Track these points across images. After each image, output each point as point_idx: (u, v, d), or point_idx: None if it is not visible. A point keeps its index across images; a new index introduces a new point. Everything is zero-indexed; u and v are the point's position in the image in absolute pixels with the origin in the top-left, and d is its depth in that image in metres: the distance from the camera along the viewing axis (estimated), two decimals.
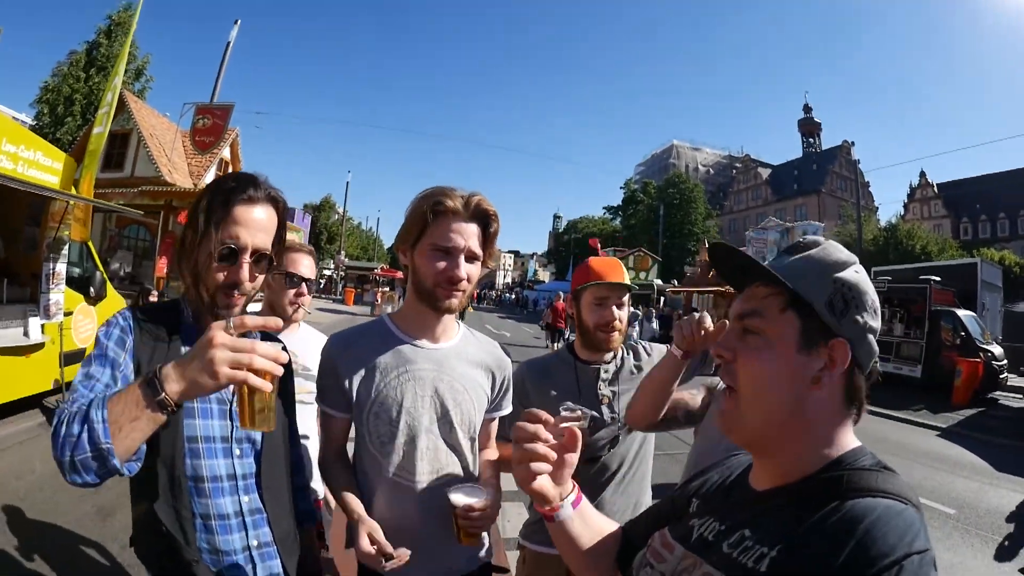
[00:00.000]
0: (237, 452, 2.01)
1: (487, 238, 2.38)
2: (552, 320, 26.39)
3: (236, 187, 2.00)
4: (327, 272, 63.89)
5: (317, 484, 3.32)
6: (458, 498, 2.15)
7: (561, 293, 26.65)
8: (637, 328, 26.31)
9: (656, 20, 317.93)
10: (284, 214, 2.16)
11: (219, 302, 1.97)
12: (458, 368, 2.46)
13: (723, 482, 1.54)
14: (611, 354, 3.21)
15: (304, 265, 3.51)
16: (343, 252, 63.74)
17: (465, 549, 2.36)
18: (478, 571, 2.52)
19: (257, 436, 2.07)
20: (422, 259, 2.31)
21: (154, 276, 15.79)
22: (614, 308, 3.08)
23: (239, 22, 28.64)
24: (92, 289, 10.17)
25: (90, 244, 10.67)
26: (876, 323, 1.32)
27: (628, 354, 3.29)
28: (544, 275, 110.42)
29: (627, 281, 3.14)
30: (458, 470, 2.41)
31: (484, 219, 2.36)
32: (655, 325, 28.36)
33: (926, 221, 73.12)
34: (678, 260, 69.89)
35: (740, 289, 1.45)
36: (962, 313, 21.46)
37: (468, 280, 2.33)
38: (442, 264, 2.28)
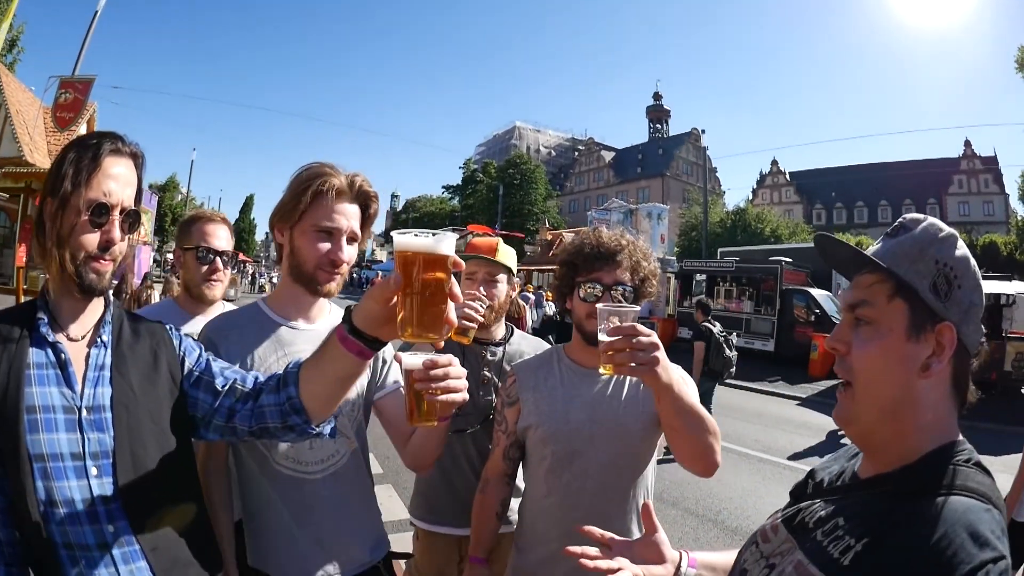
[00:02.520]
0: (94, 471, 1.75)
1: (365, 219, 2.44)
2: None
3: (103, 140, 1.84)
4: (169, 256, 62.01)
5: None
6: (411, 360, 1.79)
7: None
8: (533, 312, 25.58)
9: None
10: (143, 171, 1.96)
11: (86, 271, 1.78)
12: None
13: (842, 468, 1.51)
14: (500, 335, 3.42)
15: (218, 237, 3.34)
16: None
17: (367, 540, 2.51)
18: (383, 561, 2.59)
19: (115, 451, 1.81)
20: (303, 240, 2.34)
21: (14, 266, 14.70)
22: (481, 287, 3.19)
23: None
24: None
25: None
26: (981, 301, 1.32)
27: (520, 340, 3.51)
28: (381, 255, 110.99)
29: (503, 260, 3.31)
30: (349, 454, 2.47)
31: (365, 200, 2.41)
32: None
33: (776, 206, 76.98)
34: (518, 240, 71.70)
35: (850, 278, 1.45)
36: (816, 292, 23.55)
37: (348, 263, 2.37)
38: (324, 246, 2.31)
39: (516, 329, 3.56)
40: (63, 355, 1.77)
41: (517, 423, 2.77)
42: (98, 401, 1.75)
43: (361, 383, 2.49)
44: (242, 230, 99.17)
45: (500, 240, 3.39)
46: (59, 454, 1.68)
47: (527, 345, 3.44)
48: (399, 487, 8.20)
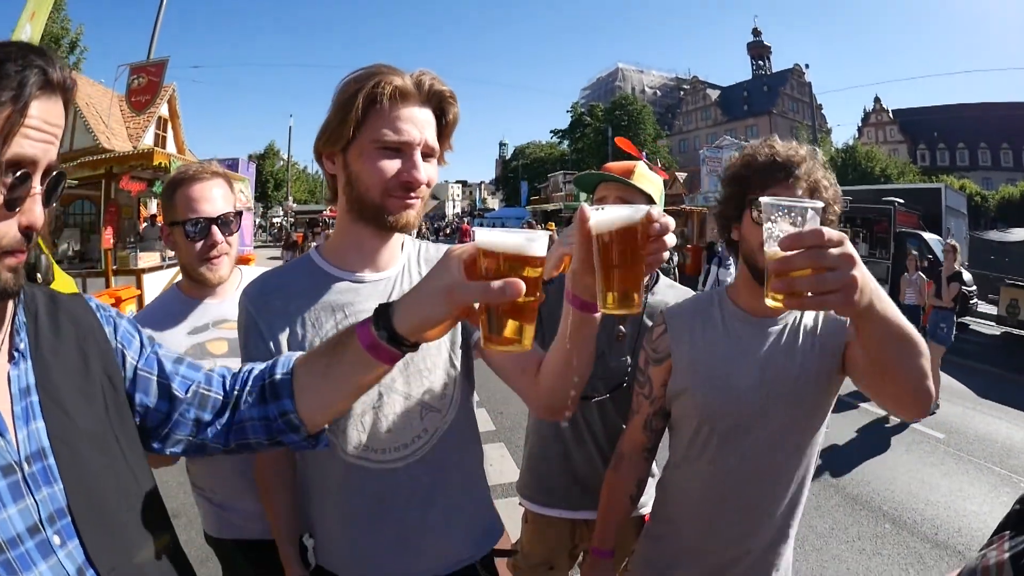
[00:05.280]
0: (57, 540, 1.21)
1: (443, 129, 1.87)
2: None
3: (28, 68, 1.12)
4: (276, 220, 63.95)
5: None
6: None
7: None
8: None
9: None
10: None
11: None
12: None
13: None
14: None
15: (208, 199, 2.53)
16: (291, 198, 62.66)
17: (466, 533, 2.02)
18: (483, 559, 2.09)
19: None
20: (362, 162, 1.77)
21: (101, 249, 15.48)
22: None
23: None
24: (39, 275, 9.95)
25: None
26: None
27: (665, 289, 2.86)
28: (493, 203, 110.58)
29: (642, 186, 2.61)
30: (443, 431, 1.95)
31: (440, 103, 1.83)
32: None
33: (882, 146, 75.36)
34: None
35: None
36: (928, 236, 21.90)
37: (428, 184, 1.82)
38: (393, 164, 1.75)
39: (662, 276, 2.92)
40: None
41: (666, 385, 2.28)
42: (35, 445, 1.22)
43: (446, 341, 1.97)
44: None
45: (641, 163, 2.73)
46: (15, 537, 1.15)
47: (673, 296, 2.78)
48: (512, 445, 7.55)
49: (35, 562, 1.16)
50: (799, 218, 1.25)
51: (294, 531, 2.02)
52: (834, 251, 1.18)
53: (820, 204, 1.28)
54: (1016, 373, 14.32)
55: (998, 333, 19.67)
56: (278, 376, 1.48)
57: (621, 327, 2.70)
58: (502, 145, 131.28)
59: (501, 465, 7.03)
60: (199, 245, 2.49)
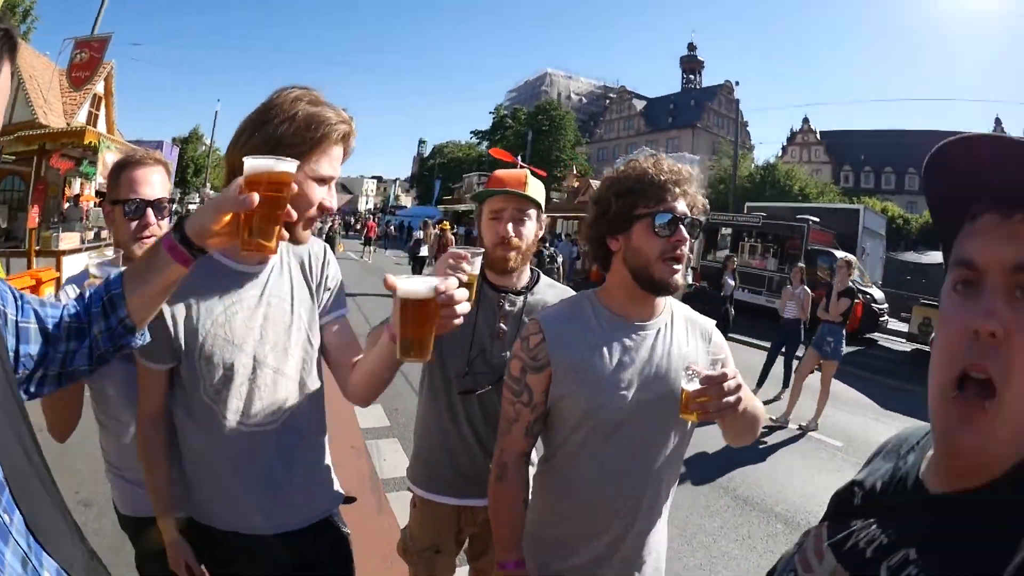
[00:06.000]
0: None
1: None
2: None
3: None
4: (192, 207, 63.30)
5: None
6: (412, 285, 1.75)
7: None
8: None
9: None
10: None
11: None
12: (281, 285, 2.33)
13: (894, 472, 1.18)
14: (524, 282, 3.03)
15: (149, 183, 2.72)
16: (208, 184, 63.50)
17: (323, 488, 2.44)
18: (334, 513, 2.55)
19: None
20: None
21: (26, 228, 15.12)
22: (509, 224, 2.85)
23: None
24: None
25: None
26: None
27: (545, 289, 3.08)
28: (407, 200, 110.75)
29: (532, 194, 2.89)
30: (301, 401, 2.33)
31: (348, 142, 2.19)
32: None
33: (805, 165, 78.20)
34: (545, 186, 71.93)
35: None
36: (840, 254, 22.11)
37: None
38: (320, 194, 2.09)
39: (543, 276, 3.14)
40: None
41: (548, 392, 2.31)
42: None
43: (305, 320, 2.35)
44: None
45: (528, 172, 2.98)
46: None
47: (553, 295, 3.00)
48: (405, 441, 7.52)
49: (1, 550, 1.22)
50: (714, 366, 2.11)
51: (172, 503, 2.28)
52: (732, 383, 1.87)
53: (721, 355, 2.34)
54: (920, 385, 14.33)
55: (908, 350, 20.35)
56: (114, 291, 1.68)
57: (502, 325, 2.91)
58: (421, 143, 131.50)
59: (395, 459, 7.07)
60: (133, 225, 2.67)
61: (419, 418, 3.19)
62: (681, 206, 2.19)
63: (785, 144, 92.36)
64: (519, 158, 3.34)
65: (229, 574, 2.34)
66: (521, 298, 2.96)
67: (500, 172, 2.96)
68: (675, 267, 2.18)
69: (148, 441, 2.26)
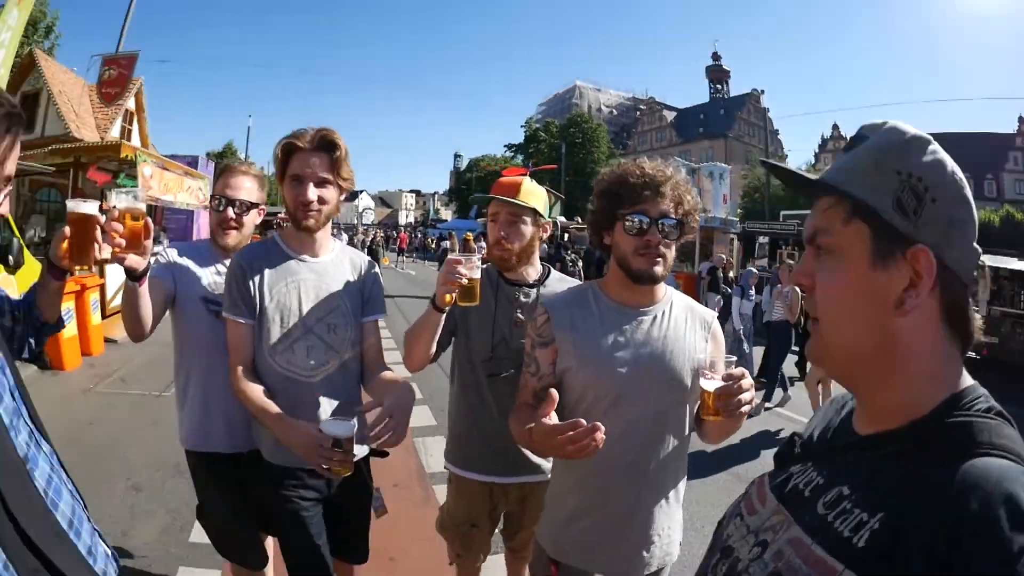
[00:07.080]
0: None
1: (335, 163, 2.87)
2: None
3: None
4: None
5: None
6: (331, 427, 2.48)
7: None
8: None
9: None
10: None
11: None
12: (336, 276, 3.04)
13: (829, 422, 1.34)
14: (534, 276, 3.28)
15: (235, 187, 3.41)
16: None
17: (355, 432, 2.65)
18: (364, 459, 3.15)
19: None
20: (285, 190, 2.88)
21: None
22: (502, 228, 3.13)
23: None
24: (11, 257, 10.25)
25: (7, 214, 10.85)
26: (969, 216, 1.11)
27: (556, 282, 3.33)
28: (446, 213, 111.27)
29: (528, 200, 3.14)
30: (339, 364, 2.98)
31: (330, 148, 2.85)
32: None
33: None
34: (581, 197, 70.89)
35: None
36: None
37: (320, 201, 2.86)
38: (296, 191, 2.82)
39: (554, 271, 3.41)
40: None
41: (554, 364, 2.59)
42: None
43: (356, 302, 3.07)
44: None
45: (526, 179, 3.21)
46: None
47: (563, 287, 3.16)
48: None
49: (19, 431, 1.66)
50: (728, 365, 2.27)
51: (281, 414, 2.75)
52: (746, 383, 2.17)
53: (734, 358, 2.39)
54: None
55: None
56: (31, 297, 2.25)
57: (519, 314, 3.20)
58: (457, 156, 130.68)
59: (440, 456, 6.34)
60: (217, 217, 3.41)
61: (451, 403, 3.47)
62: (658, 207, 2.42)
63: (817, 151, 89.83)
64: (560, 186, 3.61)
65: (285, 494, 2.92)
66: (535, 290, 3.23)
67: (502, 179, 3.26)
68: (653, 259, 2.43)
69: (240, 381, 2.82)
